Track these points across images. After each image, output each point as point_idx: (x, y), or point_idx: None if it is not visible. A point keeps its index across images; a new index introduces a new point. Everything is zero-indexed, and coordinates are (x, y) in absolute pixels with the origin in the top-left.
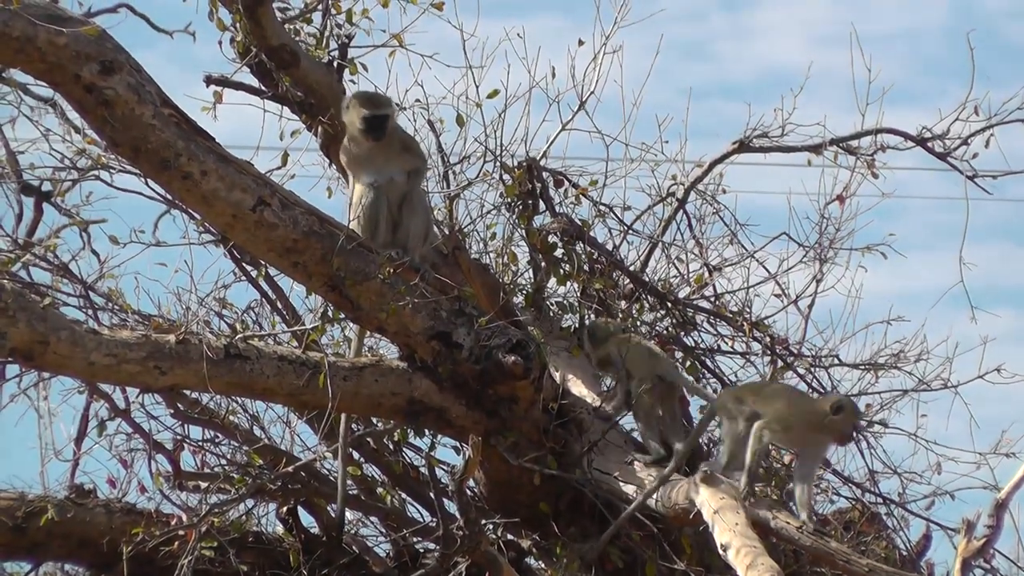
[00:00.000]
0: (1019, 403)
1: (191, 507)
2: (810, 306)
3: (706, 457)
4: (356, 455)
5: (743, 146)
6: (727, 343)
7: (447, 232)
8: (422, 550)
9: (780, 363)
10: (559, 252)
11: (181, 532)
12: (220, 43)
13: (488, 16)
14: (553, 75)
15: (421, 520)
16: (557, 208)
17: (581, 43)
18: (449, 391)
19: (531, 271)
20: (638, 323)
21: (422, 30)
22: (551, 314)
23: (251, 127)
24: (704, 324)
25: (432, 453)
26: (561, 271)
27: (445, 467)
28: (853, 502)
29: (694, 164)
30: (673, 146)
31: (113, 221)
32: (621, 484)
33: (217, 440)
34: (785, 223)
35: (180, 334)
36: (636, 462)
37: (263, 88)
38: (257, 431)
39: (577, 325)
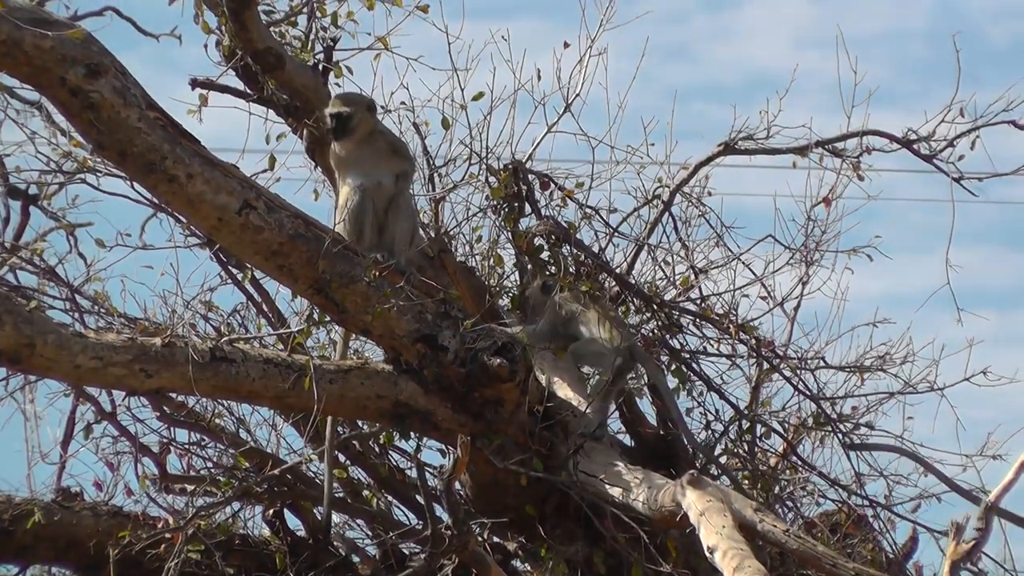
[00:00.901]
0: (1005, 405)
1: (177, 510)
2: (796, 308)
3: (692, 456)
4: (342, 458)
5: (728, 148)
6: (713, 345)
7: (433, 235)
8: (408, 552)
9: (766, 365)
10: (545, 255)
11: (168, 535)
12: (206, 46)
13: (473, 19)
14: (539, 77)
15: (407, 523)
16: (543, 210)
17: (567, 45)
18: (435, 394)
19: (517, 274)
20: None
21: (407, 33)
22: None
23: (237, 130)
24: (690, 326)
25: (418, 456)
26: (547, 273)
27: (431, 469)
28: (840, 505)
29: (680, 166)
30: (659, 148)
31: (99, 224)
32: (607, 487)
33: (203, 443)
34: (771, 225)
35: (166, 337)
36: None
37: (248, 91)
38: (243, 434)
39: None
